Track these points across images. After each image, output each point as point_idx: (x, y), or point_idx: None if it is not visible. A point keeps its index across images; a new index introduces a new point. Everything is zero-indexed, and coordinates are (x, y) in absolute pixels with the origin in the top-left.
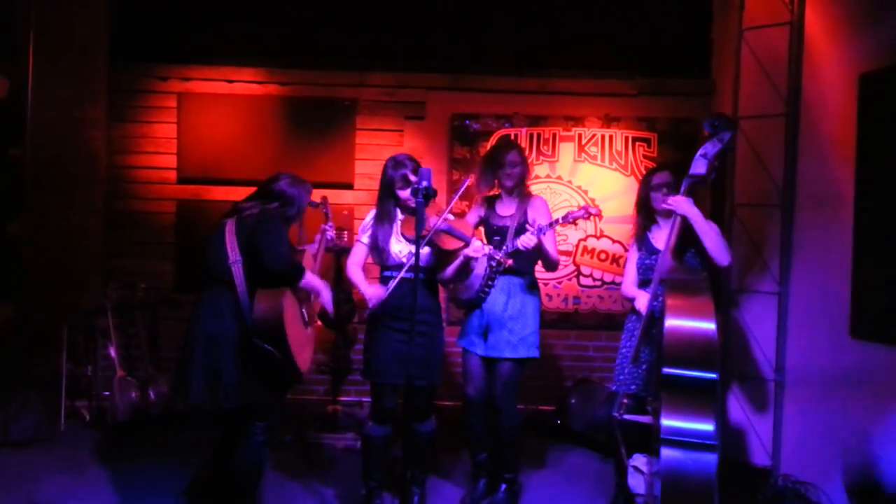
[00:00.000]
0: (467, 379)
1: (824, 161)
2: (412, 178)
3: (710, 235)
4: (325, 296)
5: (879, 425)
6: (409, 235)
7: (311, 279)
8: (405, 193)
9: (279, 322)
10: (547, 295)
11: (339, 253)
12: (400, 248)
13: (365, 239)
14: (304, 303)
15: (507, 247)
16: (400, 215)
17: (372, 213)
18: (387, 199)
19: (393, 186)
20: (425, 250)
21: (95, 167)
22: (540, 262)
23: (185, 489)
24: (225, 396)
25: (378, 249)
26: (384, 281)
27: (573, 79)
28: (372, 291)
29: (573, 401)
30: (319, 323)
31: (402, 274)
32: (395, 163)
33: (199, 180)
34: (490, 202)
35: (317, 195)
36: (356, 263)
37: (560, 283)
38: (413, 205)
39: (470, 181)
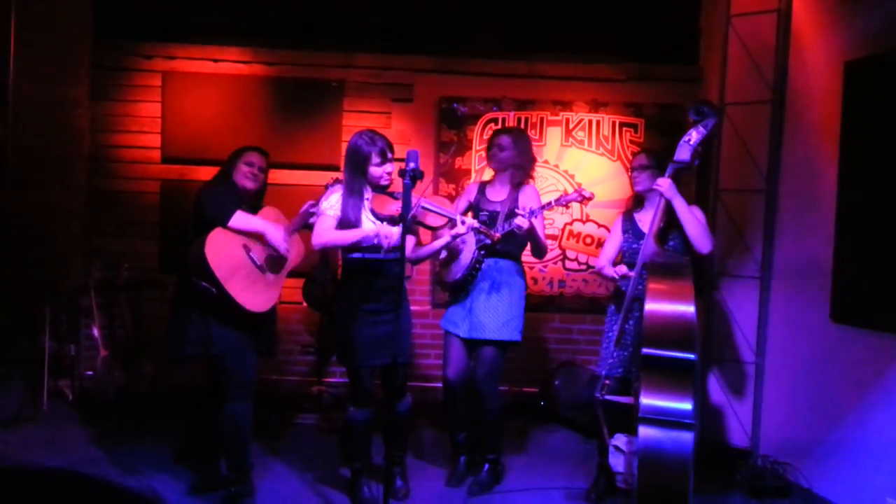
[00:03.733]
0: (448, 362)
1: (809, 147)
2: (389, 154)
3: (691, 222)
4: (270, 236)
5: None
6: (382, 213)
7: (246, 220)
8: (378, 171)
9: (201, 256)
10: (532, 278)
11: None
12: (373, 227)
13: (332, 213)
14: (255, 247)
15: (498, 228)
16: (368, 194)
17: (335, 191)
18: (357, 177)
19: (368, 163)
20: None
21: (78, 146)
22: (529, 250)
23: (176, 457)
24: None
25: (349, 228)
26: (350, 262)
27: (561, 63)
28: (383, 229)
29: (557, 383)
30: (303, 303)
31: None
32: (370, 139)
33: (184, 160)
34: (482, 188)
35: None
36: (328, 230)
37: (545, 266)
38: (384, 182)
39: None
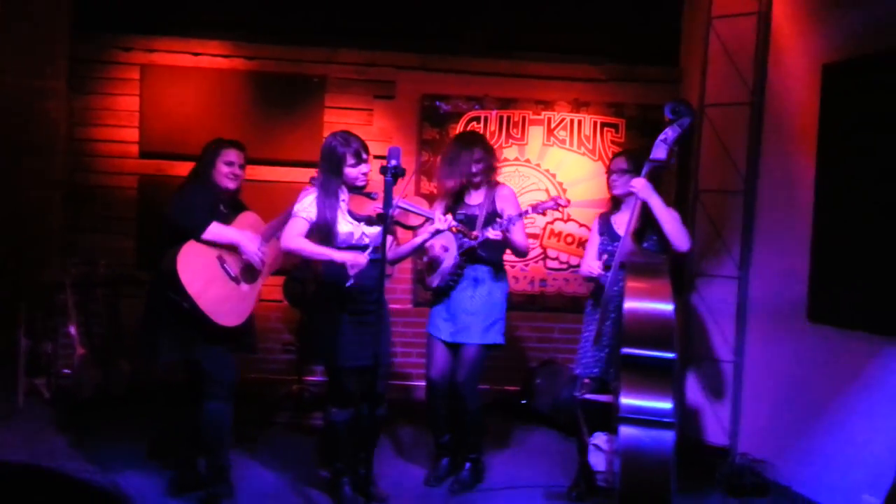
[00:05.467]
0: (431, 362)
1: (787, 149)
2: (364, 154)
3: (669, 220)
4: (245, 248)
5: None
6: (359, 214)
7: (221, 231)
8: (354, 171)
9: (172, 271)
10: (514, 277)
11: None
12: (350, 228)
13: (305, 215)
14: (229, 257)
15: (478, 229)
16: (344, 195)
17: (309, 194)
18: (332, 178)
19: (343, 164)
20: (376, 230)
21: (55, 139)
22: (509, 250)
23: (149, 451)
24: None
25: (325, 230)
26: (330, 264)
27: (544, 62)
28: (349, 257)
29: (538, 381)
30: (285, 301)
31: (368, 254)
32: (344, 140)
33: (162, 155)
34: (458, 192)
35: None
36: (299, 235)
37: (527, 265)
38: (360, 183)
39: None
